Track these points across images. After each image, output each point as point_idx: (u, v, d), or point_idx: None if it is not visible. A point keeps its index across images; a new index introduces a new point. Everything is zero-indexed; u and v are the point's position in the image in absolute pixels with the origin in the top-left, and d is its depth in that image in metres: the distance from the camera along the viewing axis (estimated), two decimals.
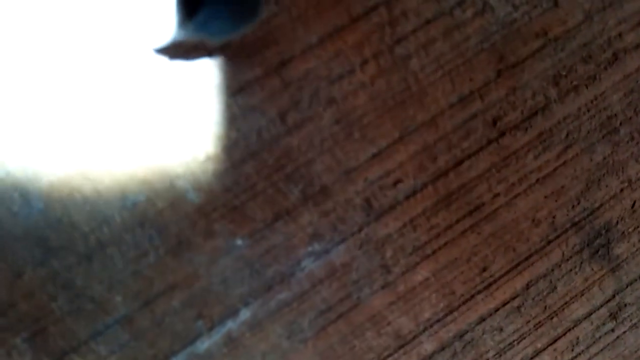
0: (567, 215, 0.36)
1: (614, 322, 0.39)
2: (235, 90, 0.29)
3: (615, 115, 0.36)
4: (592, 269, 0.38)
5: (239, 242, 0.31)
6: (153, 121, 0.28)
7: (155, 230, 0.29)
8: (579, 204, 0.36)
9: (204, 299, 0.31)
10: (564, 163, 0.35)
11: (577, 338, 0.38)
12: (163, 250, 0.30)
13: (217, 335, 0.31)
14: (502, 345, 0.37)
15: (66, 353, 0.29)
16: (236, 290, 0.31)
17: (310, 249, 0.32)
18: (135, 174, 0.28)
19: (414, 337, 0.35)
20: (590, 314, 0.38)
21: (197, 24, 0.17)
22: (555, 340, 0.38)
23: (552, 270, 0.37)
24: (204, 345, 0.31)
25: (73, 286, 0.29)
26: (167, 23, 0.16)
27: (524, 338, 0.37)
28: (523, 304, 0.36)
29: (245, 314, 0.31)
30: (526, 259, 0.36)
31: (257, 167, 0.30)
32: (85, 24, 0.25)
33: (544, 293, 0.37)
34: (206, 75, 0.28)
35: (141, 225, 0.29)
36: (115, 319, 0.30)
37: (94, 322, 0.29)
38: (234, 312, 0.31)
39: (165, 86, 0.28)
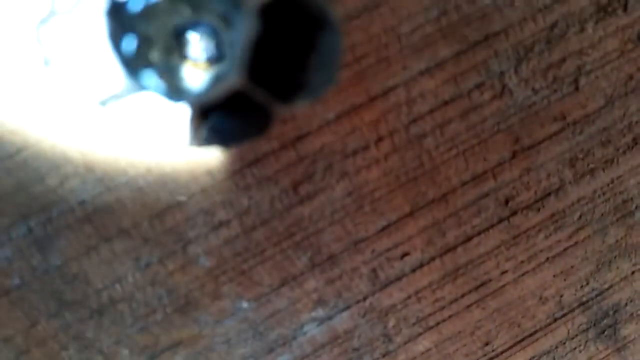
0: (575, 294, 0.36)
1: None
2: (251, 161, 0.30)
3: (632, 198, 0.35)
4: (597, 348, 0.37)
5: (244, 304, 0.32)
6: (168, 186, 0.29)
7: (165, 290, 0.30)
8: (588, 284, 0.36)
9: (207, 357, 0.32)
10: (575, 244, 0.35)
11: None
12: (171, 309, 0.31)
13: None
14: None
15: None
16: (239, 351, 0.32)
17: (314, 314, 0.33)
18: (149, 237, 0.29)
19: None
20: None
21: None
22: None
23: (556, 347, 0.36)
24: None
25: (84, 338, 0.30)
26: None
27: None
28: None
29: None
30: (530, 335, 0.36)
31: (268, 234, 0.31)
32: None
33: None
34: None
35: (152, 284, 0.30)
36: None
37: None
38: None
39: (181, 153, 0.29)
